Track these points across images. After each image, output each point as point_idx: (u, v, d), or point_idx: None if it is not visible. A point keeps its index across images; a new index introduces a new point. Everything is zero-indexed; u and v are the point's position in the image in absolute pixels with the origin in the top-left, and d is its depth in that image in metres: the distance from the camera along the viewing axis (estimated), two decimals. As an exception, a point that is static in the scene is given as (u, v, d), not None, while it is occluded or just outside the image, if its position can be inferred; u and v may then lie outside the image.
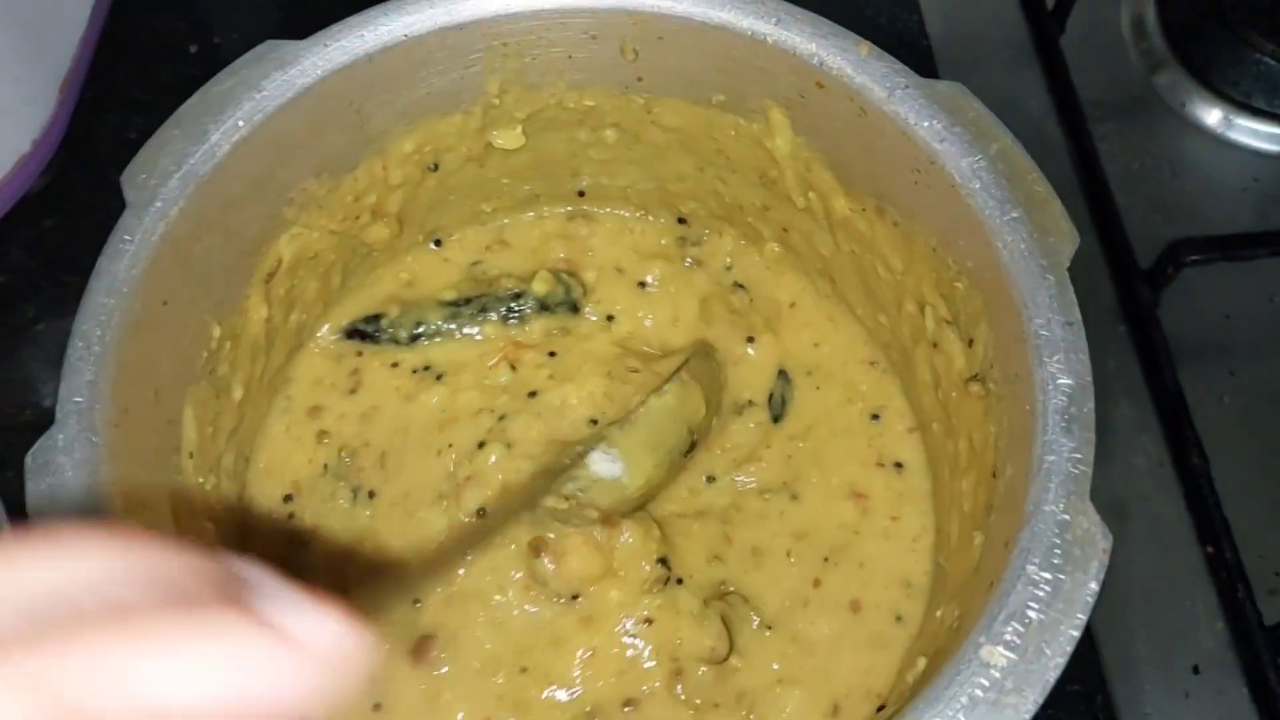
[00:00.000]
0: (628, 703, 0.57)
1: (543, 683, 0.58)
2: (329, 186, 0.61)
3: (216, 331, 0.59)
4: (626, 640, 0.58)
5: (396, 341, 0.68)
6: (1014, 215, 0.50)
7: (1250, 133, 0.89)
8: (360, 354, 0.68)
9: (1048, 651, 0.43)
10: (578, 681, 0.58)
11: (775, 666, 0.58)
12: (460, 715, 0.57)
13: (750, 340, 0.67)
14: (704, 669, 0.58)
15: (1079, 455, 0.46)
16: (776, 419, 0.66)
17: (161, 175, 0.54)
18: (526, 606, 0.59)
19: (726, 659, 0.58)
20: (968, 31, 0.95)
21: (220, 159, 0.55)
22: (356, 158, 0.62)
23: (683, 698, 0.57)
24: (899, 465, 0.63)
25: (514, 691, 0.58)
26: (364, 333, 0.68)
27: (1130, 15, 0.95)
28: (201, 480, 0.58)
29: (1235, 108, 0.89)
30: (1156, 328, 0.80)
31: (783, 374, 0.67)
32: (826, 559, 0.60)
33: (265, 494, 0.64)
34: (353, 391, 0.66)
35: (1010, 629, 0.43)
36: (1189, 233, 0.81)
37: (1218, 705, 0.70)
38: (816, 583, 0.60)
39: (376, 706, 0.58)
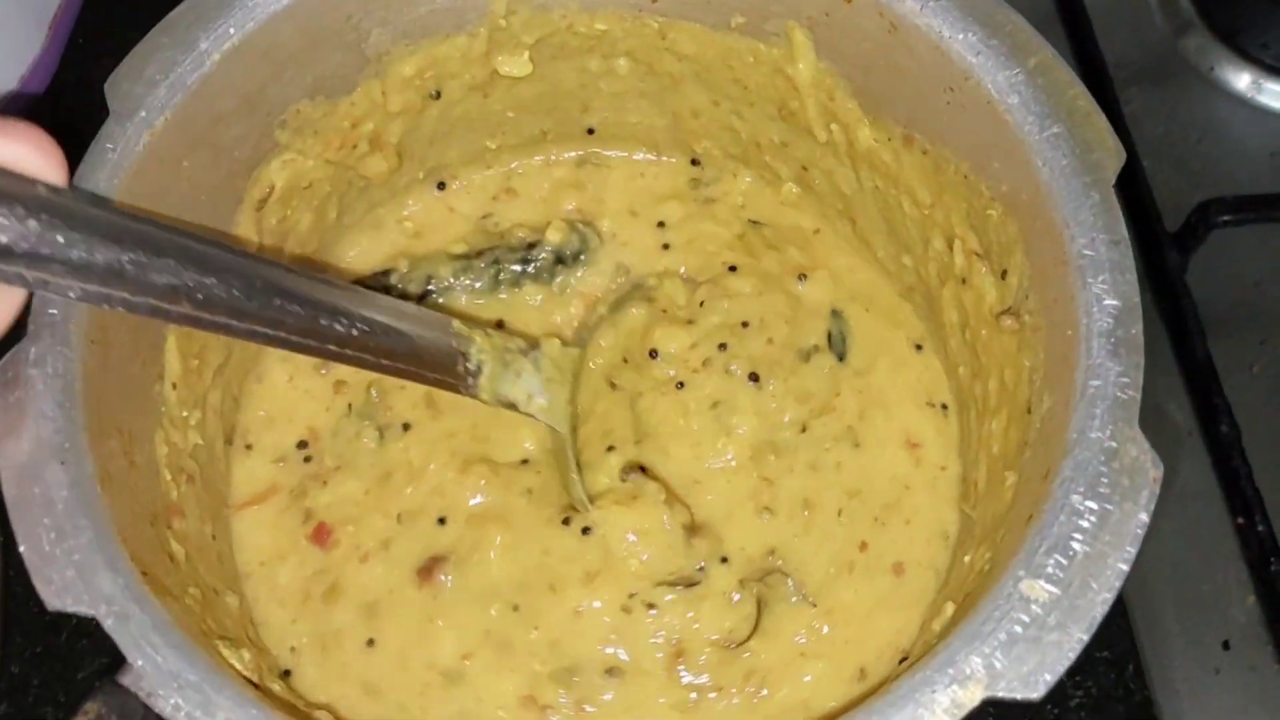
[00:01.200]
0: (611, 671, 0.55)
1: (529, 624, 0.56)
2: (324, 110, 0.58)
3: (204, 259, 0.55)
4: (627, 616, 0.56)
5: (406, 297, 0.65)
6: (1055, 131, 0.47)
7: (1280, 96, 0.85)
8: None
9: (1094, 585, 0.39)
10: (562, 633, 0.56)
11: (800, 640, 0.55)
12: (447, 645, 0.55)
13: (803, 277, 0.64)
14: (708, 653, 0.55)
15: (1127, 379, 0.43)
16: (841, 357, 0.63)
17: (148, 84, 0.51)
18: (542, 536, 0.57)
19: (745, 642, 0.55)
20: (990, -10, 0.92)
21: (209, 69, 0.52)
22: (354, 80, 0.59)
23: (683, 681, 0.55)
24: (945, 407, 0.60)
25: (501, 628, 0.56)
26: (371, 288, 0.65)
27: (1157, -24, 0.92)
28: (185, 414, 0.55)
29: (1265, 71, 0.86)
30: (1185, 294, 0.77)
31: (835, 313, 0.64)
32: (876, 518, 0.58)
33: (273, 442, 0.62)
34: None
35: (1053, 562, 0.40)
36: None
37: (1249, 681, 0.68)
38: (863, 546, 0.57)
39: (370, 642, 0.56)
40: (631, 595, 0.56)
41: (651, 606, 0.56)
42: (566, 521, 0.58)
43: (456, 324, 0.56)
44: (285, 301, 0.44)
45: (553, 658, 0.55)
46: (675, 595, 0.56)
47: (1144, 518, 0.40)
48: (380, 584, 0.57)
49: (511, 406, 0.58)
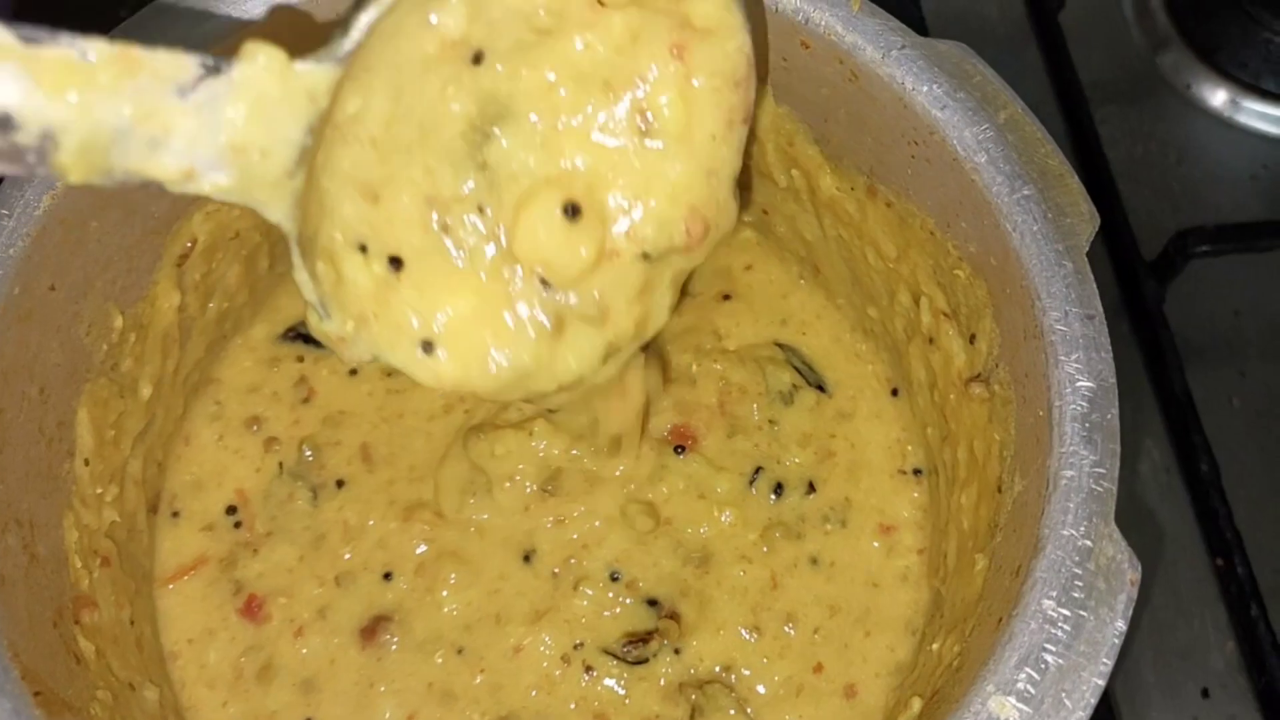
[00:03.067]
0: None
1: (474, 669, 0.54)
2: (250, 158, 0.54)
3: (119, 321, 0.52)
4: (565, 668, 0.54)
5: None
6: (1026, 193, 0.44)
7: (1259, 116, 0.84)
8: (301, 359, 0.62)
9: (1068, 703, 0.37)
10: (503, 675, 0.54)
11: None
12: (387, 714, 0.53)
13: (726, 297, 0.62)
14: None
15: (1102, 470, 0.40)
16: (821, 387, 0.60)
17: (46, 141, 0.47)
18: (499, 566, 0.56)
19: None
20: (963, 6, 0.90)
21: (116, 123, 0.48)
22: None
23: None
24: (918, 472, 0.57)
25: (444, 678, 0.54)
26: (308, 336, 0.61)
27: (1133, -9, 0.90)
28: (100, 490, 0.51)
29: (1243, 89, 0.84)
30: (1163, 325, 0.75)
31: (782, 346, 0.61)
32: (844, 640, 0.54)
33: (201, 508, 0.58)
34: (305, 401, 0.61)
35: (1024, 676, 0.37)
36: (1195, 222, 0.77)
37: (1229, 732, 0.66)
38: (818, 668, 0.54)
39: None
40: (577, 646, 0.54)
41: (590, 669, 0.54)
42: (527, 559, 0.56)
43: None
44: None
45: (493, 706, 0.53)
46: (618, 666, 0.54)
47: (1121, 626, 0.38)
48: (319, 656, 0.55)
49: (156, 186, 0.34)
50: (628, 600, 0.55)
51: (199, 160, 0.34)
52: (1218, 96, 0.85)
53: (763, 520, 0.56)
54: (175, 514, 0.58)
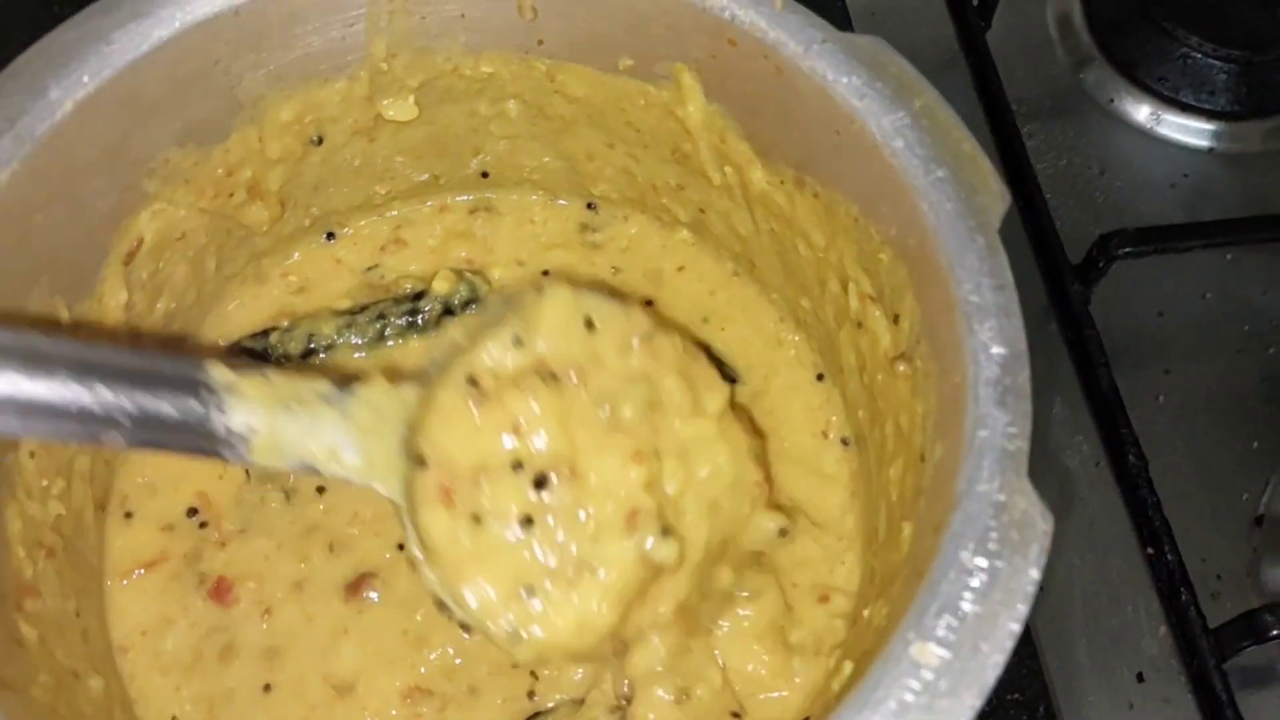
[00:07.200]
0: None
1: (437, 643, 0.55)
2: (196, 158, 0.56)
3: (65, 316, 0.52)
4: None
5: (287, 357, 0.62)
6: (939, 174, 0.46)
7: (1179, 128, 0.87)
8: None
9: (985, 648, 0.38)
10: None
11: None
12: (349, 654, 0.55)
13: (649, 303, 0.63)
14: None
15: (1014, 429, 0.42)
16: (733, 380, 0.61)
17: (-10, 136, 0.48)
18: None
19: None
20: (893, 26, 0.93)
21: (61, 119, 0.49)
22: (227, 126, 0.56)
23: None
24: (846, 442, 0.59)
25: (417, 628, 0.55)
26: (252, 350, 0.63)
27: (1056, 11, 0.94)
28: (45, 483, 0.52)
29: (1163, 103, 0.88)
30: (1089, 325, 0.78)
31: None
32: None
33: (157, 509, 0.58)
34: None
35: (943, 623, 0.39)
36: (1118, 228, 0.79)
37: (1163, 713, 0.68)
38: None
39: (266, 687, 0.54)
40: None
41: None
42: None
43: (214, 372, 0.43)
44: None
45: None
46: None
47: (1035, 574, 0.39)
48: (290, 621, 0.55)
49: (311, 470, 0.46)
50: None
51: (338, 443, 0.46)
52: (1139, 110, 0.88)
53: None
54: (128, 514, 0.58)
